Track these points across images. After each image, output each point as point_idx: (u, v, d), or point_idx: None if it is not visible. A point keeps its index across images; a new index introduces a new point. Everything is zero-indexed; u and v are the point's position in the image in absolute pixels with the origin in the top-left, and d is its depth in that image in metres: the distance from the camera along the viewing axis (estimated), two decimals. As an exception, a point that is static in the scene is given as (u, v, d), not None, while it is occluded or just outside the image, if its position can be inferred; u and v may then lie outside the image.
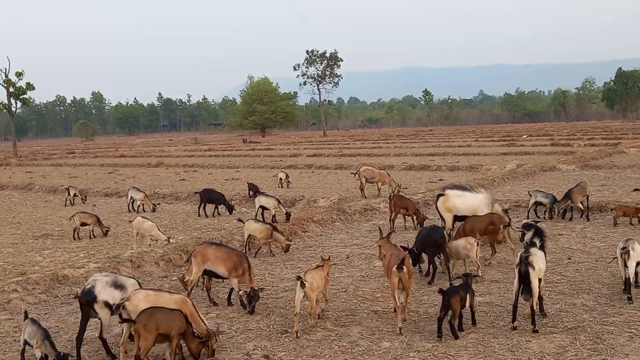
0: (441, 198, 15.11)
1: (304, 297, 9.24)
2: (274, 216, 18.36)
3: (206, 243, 11.41)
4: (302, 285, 9.20)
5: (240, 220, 15.35)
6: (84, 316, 8.65)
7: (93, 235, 17.63)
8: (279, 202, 18.62)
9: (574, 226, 16.49)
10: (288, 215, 17.96)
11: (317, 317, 9.66)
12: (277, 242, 14.65)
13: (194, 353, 8.20)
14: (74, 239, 17.40)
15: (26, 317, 8.29)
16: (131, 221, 16.34)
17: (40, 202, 26.63)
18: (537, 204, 17.93)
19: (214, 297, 11.09)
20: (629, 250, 10.23)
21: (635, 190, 17.93)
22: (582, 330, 8.70)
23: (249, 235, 14.58)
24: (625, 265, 10.26)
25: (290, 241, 14.99)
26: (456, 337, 8.58)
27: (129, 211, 22.48)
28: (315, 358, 8.17)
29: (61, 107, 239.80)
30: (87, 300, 8.56)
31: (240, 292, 10.38)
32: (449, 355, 8.07)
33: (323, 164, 39.31)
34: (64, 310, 10.97)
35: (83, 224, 17.62)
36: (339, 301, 10.69)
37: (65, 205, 24.72)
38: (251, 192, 23.00)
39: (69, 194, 25.42)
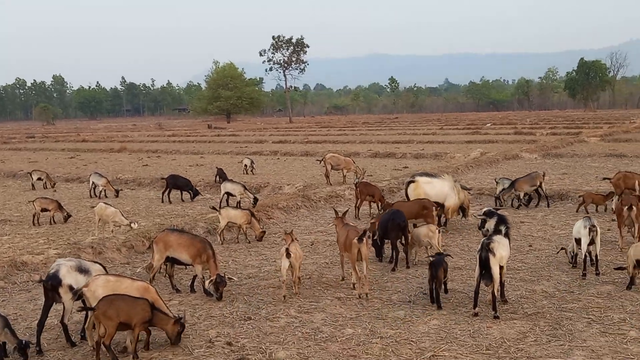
0: (412, 185, 15.18)
1: (289, 267, 10.14)
2: (238, 202, 18.23)
3: (168, 230, 11.29)
4: (288, 255, 10.06)
5: (214, 208, 15.12)
6: (47, 301, 8.50)
7: (53, 221, 17.32)
8: (245, 188, 18.51)
9: (535, 214, 16.73)
10: (255, 200, 17.87)
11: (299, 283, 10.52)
12: (253, 229, 14.61)
13: (171, 336, 8.16)
14: (34, 224, 17.07)
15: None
16: (93, 207, 16.07)
17: (-2, 187, 26.05)
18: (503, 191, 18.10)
19: (177, 284, 10.98)
20: (597, 228, 10.76)
21: (605, 179, 18.32)
22: (542, 317, 8.84)
23: (227, 222, 14.39)
24: (593, 242, 10.72)
25: (264, 230, 14.94)
26: (440, 307, 9.29)
27: (91, 197, 22.12)
28: (279, 344, 8.15)
29: (21, 90, 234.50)
30: (52, 285, 8.43)
31: (206, 283, 10.27)
32: (412, 341, 8.12)
33: (289, 150, 39.22)
34: (22, 297, 10.77)
35: (44, 210, 17.29)
36: (302, 288, 10.67)
37: (33, 189, 24.26)
38: (218, 178, 22.92)
39: (32, 178, 24.98)
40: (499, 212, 10.76)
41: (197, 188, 21.86)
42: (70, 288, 8.46)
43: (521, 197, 17.55)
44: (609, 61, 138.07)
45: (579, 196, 17.12)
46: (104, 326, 7.66)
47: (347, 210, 12.45)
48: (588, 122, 62.31)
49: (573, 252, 11.39)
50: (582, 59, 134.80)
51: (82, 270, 8.72)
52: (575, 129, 50.70)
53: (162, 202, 20.47)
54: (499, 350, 7.74)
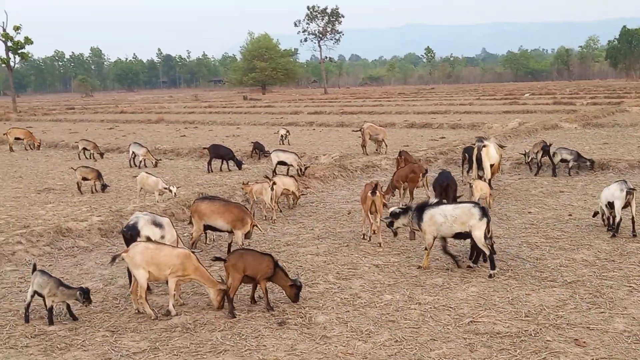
0: (484, 149, 15.25)
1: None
2: (287, 170, 18.28)
3: (198, 200, 11.36)
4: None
5: (267, 177, 14.91)
6: None
7: (95, 189, 17.67)
8: (298, 156, 18.64)
9: (575, 183, 16.54)
10: (306, 168, 17.96)
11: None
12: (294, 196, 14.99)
13: (290, 296, 8.53)
14: (80, 192, 17.41)
15: (34, 269, 8.34)
16: (135, 176, 16.38)
17: (41, 157, 26.63)
18: (563, 161, 17.98)
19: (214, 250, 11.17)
20: (634, 191, 10.93)
21: None
22: (582, 285, 8.80)
23: (283, 190, 14.46)
24: (629, 205, 10.95)
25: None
26: (484, 260, 9.65)
27: (130, 166, 22.50)
28: (318, 309, 8.28)
29: (60, 63, 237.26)
30: (132, 235, 9.28)
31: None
32: (450, 307, 8.18)
33: (324, 121, 39.16)
34: (68, 262, 11.07)
35: (84, 179, 17.64)
36: (340, 255, 10.78)
37: (79, 159, 24.79)
38: (257, 151, 23.12)
39: (79, 148, 25.67)
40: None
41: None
42: (148, 239, 9.18)
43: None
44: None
45: None
46: (231, 278, 8.20)
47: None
48: (630, 91, 60.78)
49: (605, 215, 11.46)
50: (624, 27, 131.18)
51: (157, 224, 9.57)
52: (617, 98, 49.54)
53: (208, 172, 20.64)
54: (538, 317, 7.74)
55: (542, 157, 18.17)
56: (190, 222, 11.38)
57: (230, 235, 11.01)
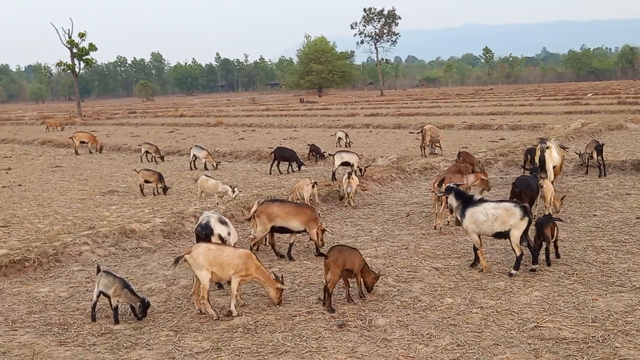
0: (547, 151, 15.02)
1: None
2: (351, 170, 18.44)
3: (268, 201, 11.56)
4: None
5: (334, 177, 16.10)
6: None
7: (157, 192, 18.05)
8: (359, 157, 18.98)
9: (642, 186, 16.00)
10: (366, 168, 18.41)
11: None
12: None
13: (369, 287, 8.86)
14: (143, 194, 17.80)
15: (99, 270, 8.56)
16: (196, 180, 16.70)
17: (105, 160, 27.38)
18: None
19: (277, 251, 11.27)
20: None
21: None
22: (652, 290, 8.50)
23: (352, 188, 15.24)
24: None
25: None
26: (549, 264, 9.72)
27: (191, 169, 22.90)
28: (378, 312, 8.24)
29: (122, 68, 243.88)
30: (206, 234, 9.77)
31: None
32: (513, 312, 8.01)
33: (381, 123, 39.03)
34: (132, 262, 11.33)
35: (146, 181, 18.04)
36: (399, 258, 10.71)
37: (141, 162, 25.41)
38: (313, 154, 23.36)
39: (142, 151, 26.44)
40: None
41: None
42: (220, 237, 9.68)
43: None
44: None
45: None
46: (331, 273, 8.41)
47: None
48: (700, 90, 58.51)
49: None
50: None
51: (223, 222, 10.13)
52: (686, 97, 47.76)
53: (270, 174, 20.96)
54: (605, 322, 7.51)
55: (597, 156, 17.64)
56: (253, 223, 11.47)
57: (293, 236, 11.24)
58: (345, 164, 18.65)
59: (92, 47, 71.82)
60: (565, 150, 16.82)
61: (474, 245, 9.91)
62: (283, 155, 21.50)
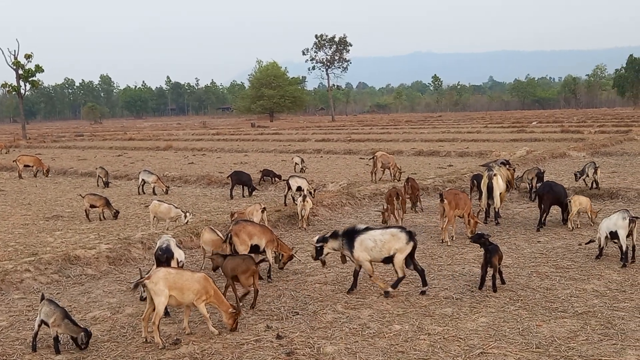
0: (495, 177, 15.33)
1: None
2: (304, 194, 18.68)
3: (242, 221, 11.80)
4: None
5: (294, 199, 16.78)
6: None
7: (103, 217, 17.70)
8: (307, 182, 19.43)
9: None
10: (314, 191, 19.19)
11: None
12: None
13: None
14: (88, 220, 17.44)
15: (43, 298, 8.32)
16: (147, 206, 16.47)
17: (50, 184, 26.75)
18: None
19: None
20: (636, 219, 11.17)
21: None
22: (593, 315, 8.70)
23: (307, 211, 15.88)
24: (630, 234, 11.16)
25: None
26: (495, 290, 9.88)
27: (139, 194, 22.56)
28: (327, 339, 8.21)
29: (70, 90, 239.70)
30: (167, 257, 9.84)
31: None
32: (460, 338, 8.09)
33: (332, 148, 39.28)
34: (76, 290, 11.04)
35: (92, 206, 17.69)
36: (349, 284, 10.71)
37: (98, 186, 24.87)
38: (266, 178, 23.41)
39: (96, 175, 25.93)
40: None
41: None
42: (177, 261, 9.76)
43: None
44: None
45: None
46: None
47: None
48: (638, 120, 60.90)
49: (600, 245, 11.62)
50: (631, 55, 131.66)
51: (178, 246, 10.30)
52: (625, 127, 49.60)
53: (231, 198, 20.88)
54: (549, 348, 7.65)
55: (536, 183, 18.29)
56: (230, 243, 11.27)
57: (259, 255, 11.35)
58: (299, 189, 18.83)
59: (39, 69, 70.42)
60: (512, 169, 17.45)
61: (354, 271, 10.29)
62: (240, 179, 21.51)
